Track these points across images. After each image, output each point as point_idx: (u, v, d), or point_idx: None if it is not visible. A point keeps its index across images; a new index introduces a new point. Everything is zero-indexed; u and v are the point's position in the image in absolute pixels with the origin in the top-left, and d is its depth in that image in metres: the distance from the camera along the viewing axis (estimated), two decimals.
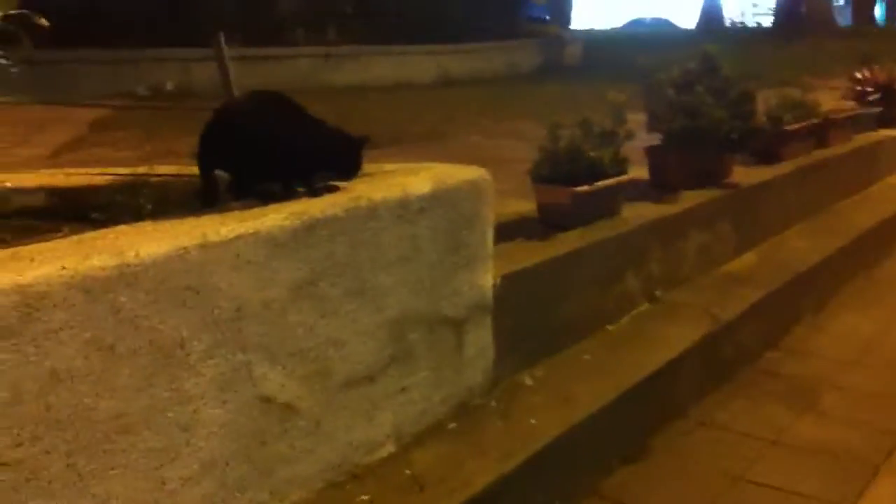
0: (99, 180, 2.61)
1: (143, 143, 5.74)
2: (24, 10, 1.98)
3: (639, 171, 4.21)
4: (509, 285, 2.95)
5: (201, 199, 2.31)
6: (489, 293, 2.86)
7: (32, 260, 1.75)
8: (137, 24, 10.65)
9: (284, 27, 11.58)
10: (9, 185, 2.54)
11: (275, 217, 2.15)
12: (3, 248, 2.05)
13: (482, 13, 13.27)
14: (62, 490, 1.75)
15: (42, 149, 5.31)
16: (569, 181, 3.53)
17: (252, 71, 10.34)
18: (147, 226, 2.07)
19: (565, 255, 3.27)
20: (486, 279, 2.84)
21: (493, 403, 2.83)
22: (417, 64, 11.98)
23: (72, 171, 2.81)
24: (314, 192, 2.37)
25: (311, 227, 2.21)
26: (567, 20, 18.59)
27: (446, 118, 7.81)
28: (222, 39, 3.12)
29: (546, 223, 3.58)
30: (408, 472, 2.43)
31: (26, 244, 1.94)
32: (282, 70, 10.70)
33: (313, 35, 11.67)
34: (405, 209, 2.49)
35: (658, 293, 3.83)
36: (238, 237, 2.05)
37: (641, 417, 3.11)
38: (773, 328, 4.08)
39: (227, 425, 2.07)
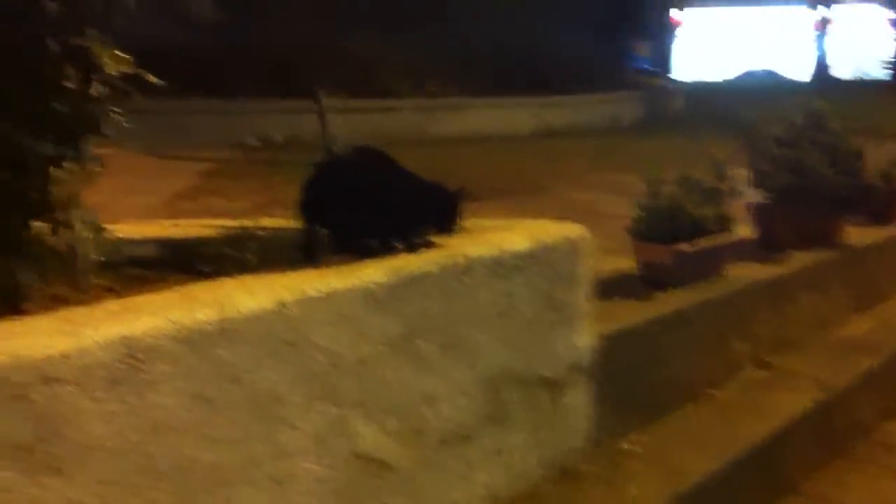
0: (206, 232, 2.67)
1: (252, 194, 5.90)
2: (139, 70, 2.06)
3: (744, 229, 4.11)
4: (609, 346, 2.89)
5: (303, 252, 2.34)
6: (587, 353, 2.80)
7: (139, 311, 1.80)
8: (248, 76, 11.03)
9: (387, 80, 11.81)
10: (120, 235, 2.62)
11: (372, 272, 2.17)
12: (113, 297, 2.12)
13: (584, 64, 13.29)
14: None
15: (158, 197, 5.52)
16: (669, 239, 3.46)
17: (354, 122, 10.59)
18: (249, 279, 2.10)
19: (667, 315, 3.20)
20: (584, 339, 2.79)
21: (594, 469, 2.75)
22: (517, 115, 12.06)
23: (180, 222, 2.90)
24: (411, 248, 2.37)
25: (407, 283, 2.22)
26: (668, 70, 18.43)
27: (546, 171, 7.81)
28: (321, 95, 3.17)
29: (646, 281, 3.51)
30: None
31: (134, 295, 2.00)
32: (385, 121, 10.91)
33: (416, 87, 11.86)
34: (500, 266, 2.48)
35: (766, 358, 3.70)
36: (336, 292, 2.06)
37: (751, 491, 2.97)
38: (890, 397, 3.88)
39: (322, 481, 2.06)
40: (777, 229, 4.24)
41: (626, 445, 2.91)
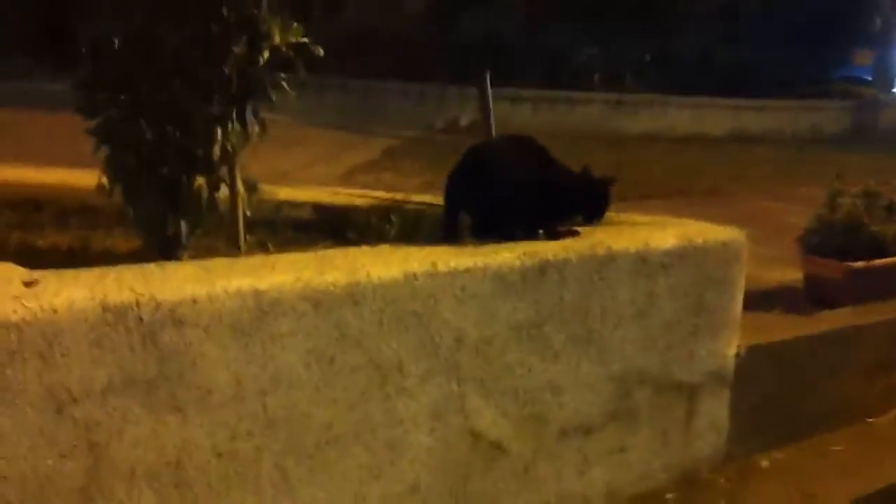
0: (360, 202, 2.77)
1: (425, 171, 6.03)
2: (304, 40, 2.15)
3: None
4: (756, 358, 2.77)
5: (443, 232, 2.37)
6: (730, 363, 2.69)
7: (273, 268, 1.88)
8: (446, 63, 11.24)
9: (582, 72, 11.71)
10: (281, 197, 2.76)
11: (506, 255, 2.17)
12: (264, 253, 2.23)
13: (790, 68, 12.67)
14: (267, 488, 1.85)
15: (339, 168, 5.74)
16: (842, 255, 3.26)
17: (545, 113, 10.59)
18: (386, 249, 2.16)
19: (826, 334, 3.02)
20: (729, 347, 2.68)
21: (722, 481, 2.65)
22: (713, 116, 11.66)
23: (340, 190, 3.01)
24: (554, 236, 2.35)
25: (541, 269, 2.20)
26: (891, 83, 17.20)
27: (735, 176, 7.51)
28: (488, 78, 3.18)
29: (812, 297, 3.32)
30: None
31: (282, 252, 2.10)
32: (574, 114, 10.85)
33: (610, 81, 11.70)
34: (644, 263, 2.41)
35: None
36: (466, 270, 2.08)
37: None
38: None
39: (433, 453, 2.09)
40: None
41: (763, 462, 2.78)
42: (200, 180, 2.15)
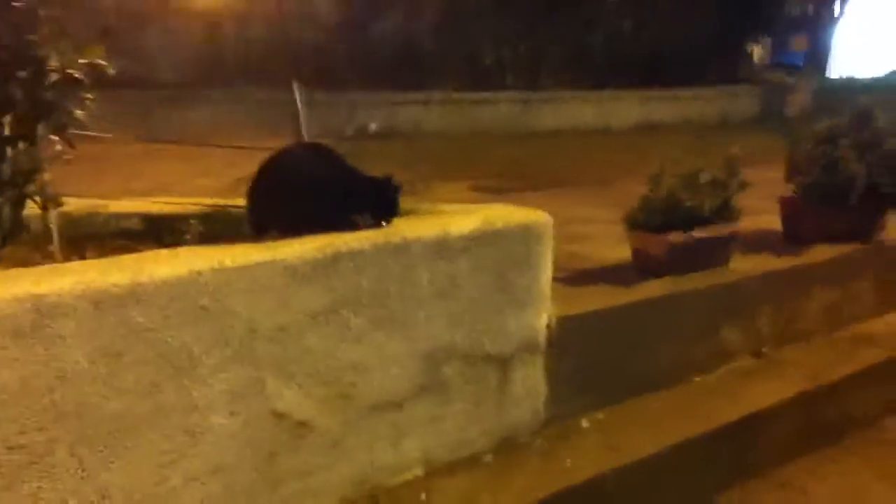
0: (184, 209, 2.93)
1: None
2: (98, 61, 2.30)
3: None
4: (568, 327, 2.98)
5: (254, 232, 2.54)
6: (541, 334, 2.90)
7: (62, 273, 2.04)
8: (358, 71, 11.43)
9: (493, 73, 11.96)
10: (111, 209, 2.91)
11: (298, 248, 2.34)
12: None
13: (695, 57, 13.04)
14: (65, 475, 2.01)
15: (223, 180, 5.87)
16: (664, 229, 3.49)
17: (453, 114, 10.81)
18: (184, 250, 2.32)
19: (644, 301, 3.24)
20: (538, 320, 2.89)
21: (539, 442, 2.86)
22: (621, 109, 11.98)
23: (168, 200, 3.16)
24: (352, 229, 2.54)
25: (334, 259, 2.39)
26: (823, 68, 17.54)
27: (625, 164, 7.77)
28: (297, 87, 3.34)
29: (640, 271, 3.55)
30: (423, 496, 2.52)
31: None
32: (482, 114, 11.09)
33: (525, 80, 11.95)
34: (443, 247, 2.61)
35: (765, 349, 3.67)
36: (256, 264, 2.25)
37: (705, 473, 3.00)
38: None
39: (235, 435, 2.26)
40: (803, 225, 4.17)
41: (584, 423, 2.99)
42: (2, 198, 2.29)
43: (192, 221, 2.65)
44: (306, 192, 2.50)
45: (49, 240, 2.51)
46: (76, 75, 2.27)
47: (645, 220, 3.54)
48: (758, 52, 17.16)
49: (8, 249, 2.49)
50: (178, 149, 7.95)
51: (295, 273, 2.32)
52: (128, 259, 2.21)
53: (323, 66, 11.25)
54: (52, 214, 2.42)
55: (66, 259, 2.52)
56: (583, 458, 2.76)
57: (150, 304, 2.09)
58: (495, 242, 2.73)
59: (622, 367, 3.16)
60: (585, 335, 3.05)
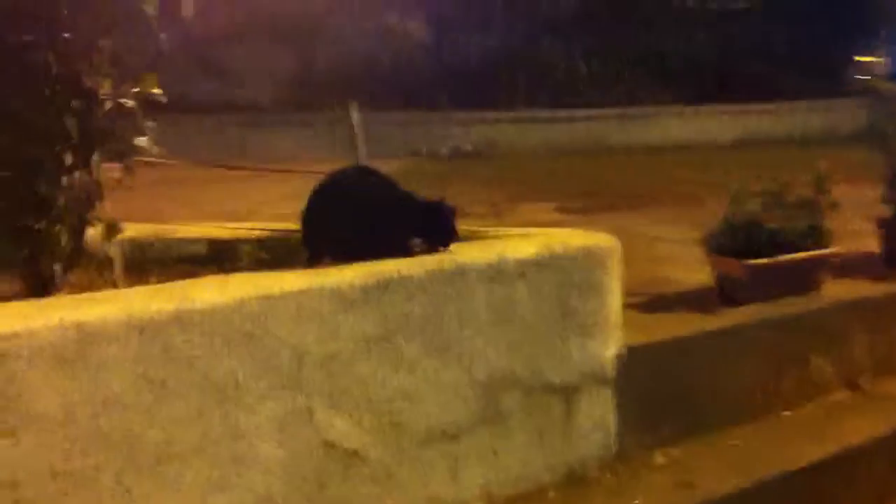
0: (248, 234, 2.94)
1: None
2: (154, 91, 2.32)
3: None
4: (640, 357, 2.85)
5: (309, 258, 2.52)
6: (609, 363, 2.78)
7: (102, 301, 2.04)
8: (449, 89, 11.44)
9: (580, 88, 11.78)
10: (177, 234, 2.94)
11: (346, 275, 2.30)
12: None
13: (796, 69, 12.59)
14: (111, 501, 2.00)
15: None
16: (747, 253, 3.32)
17: (542, 131, 10.71)
18: (232, 277, 2.31)
19: (725, 329, 3.09)
20: (606, 349, 2.77)
21: (608, 477, 2.73)
22: (715, 124, 11.64)
23: (234, 225, 3.18)
24: (406, 254, 2.48)
25: (384, 286, 2.33)
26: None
27: (720, 182, 7.53)
28: (354, 109, 3.31)
29: (722, 296, 3.39)
30: None
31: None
32: (577, 131, 10.95)
33: (610, 96, 11.74)
34: (499, 272, 2.53)
35: (861, 382, 3.45)
36: (301, 291, 2.22)
37: None
38: None
39: (283, 463, 2.22)
40: None
41: (658, 459, 2.85)
42: (60, 226, 2.31)
43: (245, 248, 2.65)
44: (357, 218, 2.47)
45: (105, 264, 2.54)
46: (129, 104, 2.28)
47: (725, 243, 3.38)
48: (873, 62, 16.43)
49: (72, 276, 2.53)
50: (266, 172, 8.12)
51: (343, 300, 2.28)
52: (174, 286, 2.21)
53: (414, 86, 11.32)
54: (114, 241, 2.44)
55: (129, 285, 2.54)
56: (653, 496, 2.63)
57: (195, 332, 2.08)
58: (555, 267, 2.64)
59: (701, 399, 3.01)
60: (660, 365, 2.92)
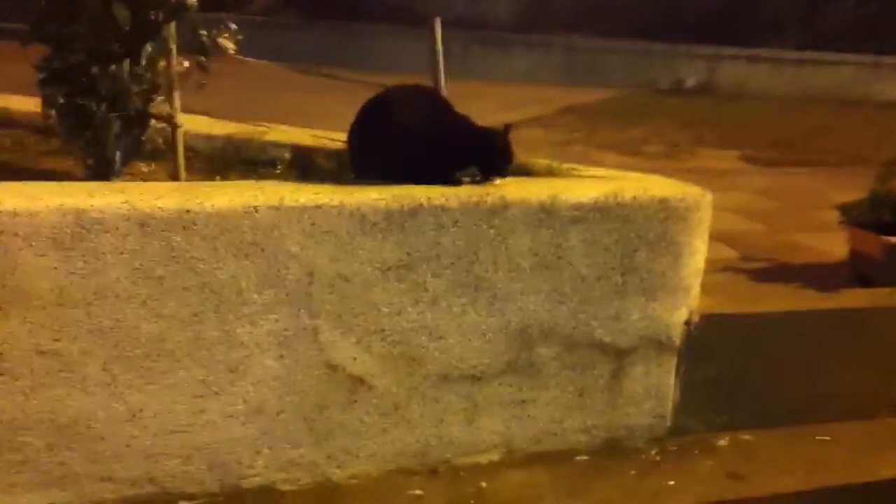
0: (331, 144, 2.89)
1: (577, 130, 5.91)
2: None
3: None
4: (720, 328, 2.56)
5: (356, 174, 2.43)
6: (675, 329, 2.51)
7: (108, 191, 2.07)
8: (675, 20, 10.77)
9: (838, 34, 10.67)
10: (269, 137, 2.96)
11: (371, 195, 2.19)
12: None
13: None
14: (95, 388, 2.06)
15: (521, 114, 5.75)
16: (889, 230, 2.87)
17: (787, 75, 9.84)
18: (253, 183, 2.28)
19: (836, 311, 2.70)
20: (673, 313, 2.50)
21: (652, 453, 2.50)
22: None
23: (321, 134, 3.12)
24: (451, 183, 2.33)
25: (412, 212, 2.21)
26: None
27: None
28: (438, 25, 3.09)
29: (856, 274, 2.97)
30: (483, 484, 2.30)
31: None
32: (821, 78, 9.99)
33: (868, 42, 10.56)
34: (549, 215, 2.32)
35: None
36: (317, 206, 2.14)
37: None
38: None
39: (282, 379, 2.19)
40: None
41: (720, 441, 2.57)
42: (111, 112, 2.36)
43: (318, 157, 2.61)
44: (404, 141, 2.32)
45: (195, 158, 2.60)
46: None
47: (865, 216, 2.93)
48: None
49: (139, 166, 2.61)
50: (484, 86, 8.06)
51: (363, 221, 2.17)
52: (190, 186, 2.20)
53: (643, 15, 10.74)
54: (179, 134, 2.48)
55: (189, 180, 2.59)
56: (693, 480, 2.37)
57: (198, 234, 2.06)
58: (619, 217, 2.38)
59: (793, 384, 2.66)
60: (747, 339, 2.61)
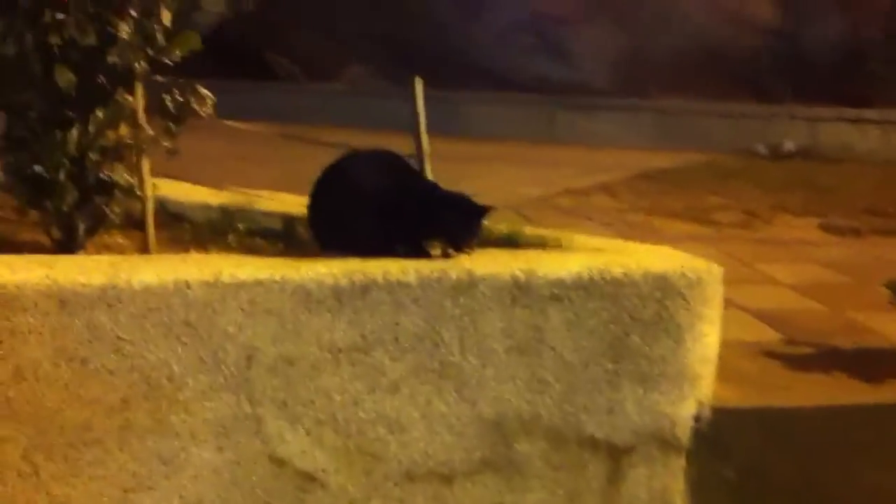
0: None
1: (652, 197, 5.60)
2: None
3: None
4: (737, 424, 2.23)
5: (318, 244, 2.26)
6: (681, 425, 2.19)
7: (33, 266, 1.93)
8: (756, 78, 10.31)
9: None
10: (260, 206, 2.82)
11: (319, 270, 2.00)
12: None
13: None
14: (16, 479, 1.90)
15: (542, 190, 5.57)
16: None
17: (831, 132, 9.25)
18: (189, 257, 2.15)
19: (874, 407, 2.33)
20: (678, 406, 2.19)
21: None
22: None
23: None
24: (414, 255, 2.12)
25: (363, 290, 2.00)
26: None
27: None
28: (419, 85, 2.87)
29: None
30: None
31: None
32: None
33: None
34: (524, 292, 2.07)
35: None
36: (257, 282, 1.96)
37: None
38: None
39: (221, 473, 1.99)
40: None
41: None
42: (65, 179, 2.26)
43: (239, 226, 2.45)
44: (363, 209, 2.13)
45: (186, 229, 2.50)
46: (139, 66, 2.15)
47: None
48: None
49: (115, 236, 2.50)
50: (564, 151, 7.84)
51: (308, 299, 1.98)
52: (114, 259, 2.05)
53: (748, 76, 10.33)
54: (148, 204, 2.37)
55: (161, 252, 2.45)
56: None
57: (124, 312, 1.90)
58: (606, 295, 2.11)
59: (818, 488, 2.29)
60: (764, 436, 2.26)
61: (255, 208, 2.84)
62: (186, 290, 1.93)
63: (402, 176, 2.20)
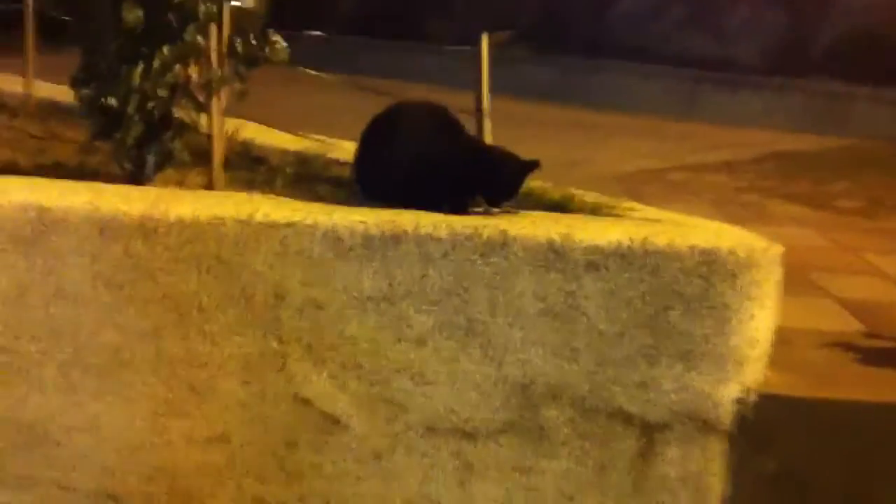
0: None
1: (774, 179, 5.31)
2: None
3: None
4: (784, 411, 2.10)
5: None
6: (722, 407, 2.08)
7: (74, 191, 2.02)
8: None
9: None
10: (333, 154, 2.86)
11: (350, 217, 2.00)
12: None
13: None
14: (53, 392, 2.02)
15: (654, 163, 5.36)
16: None
17: None
18: (224, 195, 2.22)
19: None
20: (719, 387, 2.07)
21: None
22: None
23: None
24: (458, 210, 2.09)
25: (393, 240, 1.99)
26: None
27: None
28: (485, 42, 2.73)
29: None
30: None
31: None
32: None
33: None
34: (559, 257, 2.00)
35: None
36: (289, 224, 1.98)
37: None
38: None
39: (248, 407, 2.04)
40: None
41: None
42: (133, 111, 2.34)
43: (287, 169, 2.47)
44: (404, 160, 2.11)
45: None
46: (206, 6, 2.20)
47: None
48: None
49: (178, 173, 2.58)
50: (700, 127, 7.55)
51: (338, 245, 1.99)
52: (161, 192, 2.12)
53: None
54: (219, 143, 2.44)
55: (228, 191, 2.52)
56: None
57: (160, 243, 1.97)
58: (649, 266, 2.01)
59: (868, 490, 2.14)
60: (813, 429, 2.12)
61: (329, 156, 2.87)
62: (220, 226, 1.97)
63: (446, 129, 2.16)
